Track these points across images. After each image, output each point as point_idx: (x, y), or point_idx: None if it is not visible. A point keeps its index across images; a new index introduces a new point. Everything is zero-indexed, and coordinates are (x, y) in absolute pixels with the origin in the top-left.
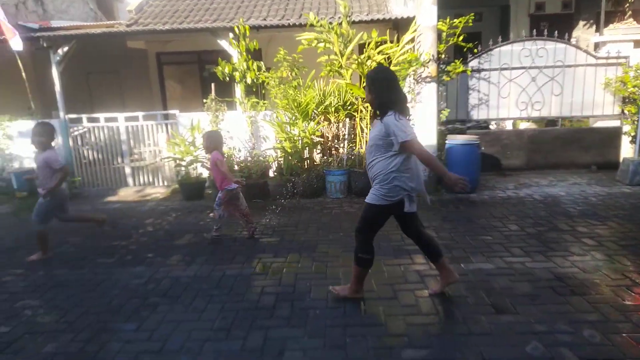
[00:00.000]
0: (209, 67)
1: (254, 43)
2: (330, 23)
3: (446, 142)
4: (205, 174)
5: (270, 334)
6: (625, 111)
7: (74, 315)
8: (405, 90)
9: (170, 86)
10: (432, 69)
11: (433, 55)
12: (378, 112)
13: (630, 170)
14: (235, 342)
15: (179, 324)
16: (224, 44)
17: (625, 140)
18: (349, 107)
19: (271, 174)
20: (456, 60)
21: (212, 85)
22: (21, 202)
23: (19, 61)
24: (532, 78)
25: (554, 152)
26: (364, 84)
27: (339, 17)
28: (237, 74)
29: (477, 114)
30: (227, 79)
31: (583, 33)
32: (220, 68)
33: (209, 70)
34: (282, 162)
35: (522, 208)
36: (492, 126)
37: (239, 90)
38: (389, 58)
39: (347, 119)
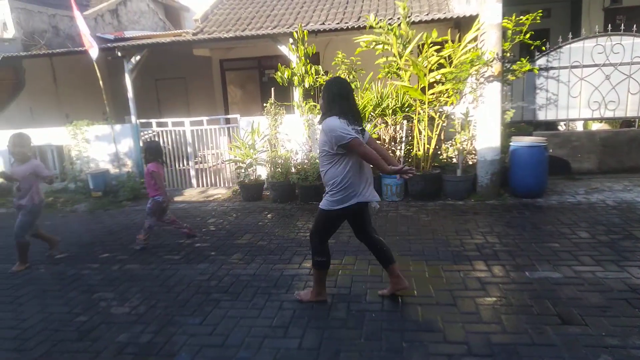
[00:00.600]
0: (268, 72)
1: (312, 47)
2: (390, 24)
3: (510, 143)
4: (264, 175)
5: (326, 334)
6: None
7: (144, 308)
8: (466, 90)
9: (232, 91)
10: (496, 67)
11: (497, 54)
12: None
13: None
14: (293, 340)
15: (240, 320)
16: (283, 49)
17: None
18: (406, 109)
19: None
20: (522, 59)
21: (272, 89)
22: (96, 202)
23: (97, 70)
24: (605, 76)
25: (629, 155)
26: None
27: (398, 18)
28: (295, 79)
29: (545, 115)
30: (286, 83)
31: None
32: (279, 73)
33: (268, 75)
34: None
35: (593, 214)
36: (561, 127)
37: (297, 94)
38: (449, 57)
39: (405, 121)
